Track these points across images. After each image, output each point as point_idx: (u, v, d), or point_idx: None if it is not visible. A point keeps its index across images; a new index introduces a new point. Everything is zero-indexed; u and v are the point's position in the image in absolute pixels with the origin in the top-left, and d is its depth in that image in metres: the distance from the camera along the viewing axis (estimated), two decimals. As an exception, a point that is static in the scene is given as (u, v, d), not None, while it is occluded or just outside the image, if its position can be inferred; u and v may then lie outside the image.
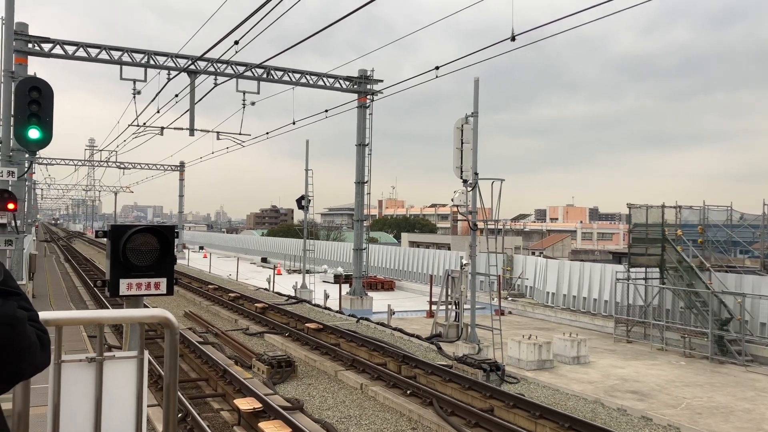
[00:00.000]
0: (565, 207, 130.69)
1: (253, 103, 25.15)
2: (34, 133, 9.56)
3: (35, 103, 9.48)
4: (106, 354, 2.72)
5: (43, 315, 2.35)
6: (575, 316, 24.44)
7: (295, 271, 44.79)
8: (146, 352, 2.84)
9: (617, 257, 44.35)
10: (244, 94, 24.88)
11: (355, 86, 27.11)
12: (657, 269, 20.87)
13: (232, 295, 25.89)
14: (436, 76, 16.20)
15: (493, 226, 18.73)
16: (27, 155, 19.18)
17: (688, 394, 13.89)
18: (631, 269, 21.42)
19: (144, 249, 3.57)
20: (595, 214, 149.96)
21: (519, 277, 29.99)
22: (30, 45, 21.43)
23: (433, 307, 22.74)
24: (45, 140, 9.80)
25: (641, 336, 20.18)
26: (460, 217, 18.40)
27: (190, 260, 50.50)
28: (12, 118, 12.25)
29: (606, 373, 15.77)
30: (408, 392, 12.29)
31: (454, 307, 19.17)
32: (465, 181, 17.23)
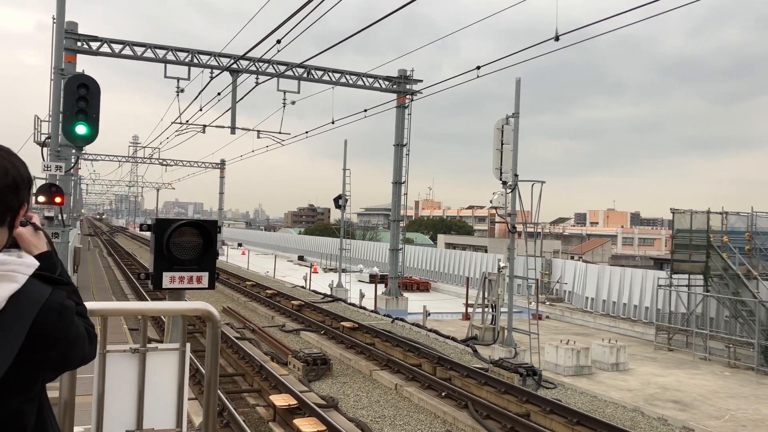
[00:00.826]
0: (605, 211, 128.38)
1: (293, 103, 25.32)
2: (81, 129, 9.79)
3: (83, 99, 9.71)
4: (149, 345, 2.75)
5: (89, 305, 2.38)
6: (615, 322, 23.98)
7: (331, 269, 45.02)
8: (188, 345, 2.86)
9: (659, 263, 43.40)
10: (284, 93, 25.07)
11: (395, 86, 27.10)
12: (701, 276, 20.33)
13: (269, 292, 26.15)
14: (478, 76, 16.09)
15: (532, 229, 18.50)
16: (74, 151, 19.68)
17: (732, 406, 13.48)
18: (674, 276, 20.91)
19: (187, 243, 3.59)
20: (636, 219, 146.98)
21: (557, 282, 29.58)
22: (79, 43, 21.98)
23: (469, 310, 22.58)
24: (91, 136, 10.02)
25: (683, 344, 19.68)
26: (498, 219, 18.22)
27: (229, 257, 51.20)
28: (60, 115, 12.56)
29: (646, 381, 15.42)
30: (443, 394, 12.21)
31: (490, 310, 19.00)
32: (504, 183, 17.05)
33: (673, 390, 14.60)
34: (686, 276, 20.88)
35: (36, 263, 1.69)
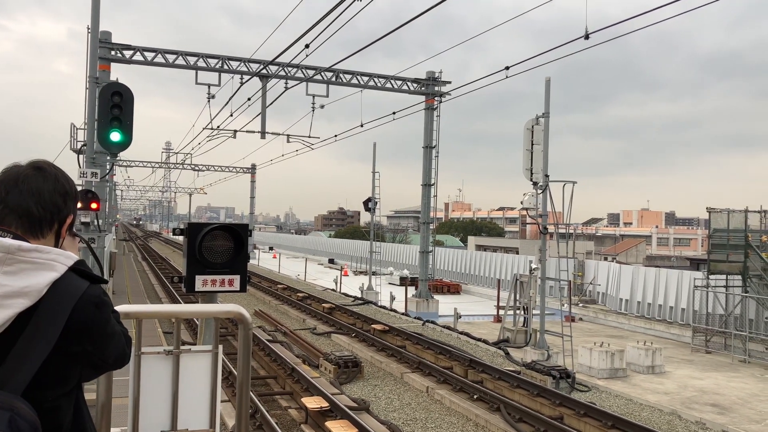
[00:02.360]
0: (639, 211, 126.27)
1: (322, 106, 25.46)
2: (115, 136, 9.98)
3: (117, 107, 9.90)
4: (182, 347, 2.79)
5: (124, 308, 2.42)
6: (650, 324, 23.56)
7: (361, 272, 45.11)
8: (220, 347, 2.89)
9: (695, 264, 42.53)
10: (313, 97, 25.23)
11: (423, 88, 27.07)
12: (739, 277, 19.87)
13: (300, 294, 26.32)
14: (507, 77, 15.98)
15: (564, 230, 18.29)
16: (108, 157, 20.07)
17: (773, 410, 13.13)
18: (711, 276, 20.47)
19: (219, 247, 3.64)
20: (671, 219, 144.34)
21: (590, 283, 29.19)
22: (113, 52, 22.44)
23: (501, 312, 22.40)
24: (126, 143, 10.21)
25: (721, 346, 19.24)
26: (529, 220, 18.06)
27: (261, 260, 51.67)
28: (96, 122, 12.83)
29: (683, 384, 15.11)
30: (475, 397, 12.14)
31: (522, 313, 18.82)
32: (535, 184, 16.89)
33: (711, 393, 14.28)
34: (724, 276, 20.43)
35: (75, 256, 1.73)
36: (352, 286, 32.53)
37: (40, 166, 1.81)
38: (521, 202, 17.72)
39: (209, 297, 3.71)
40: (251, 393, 10.73)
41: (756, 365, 17.56)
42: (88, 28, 17.15)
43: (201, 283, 3.56)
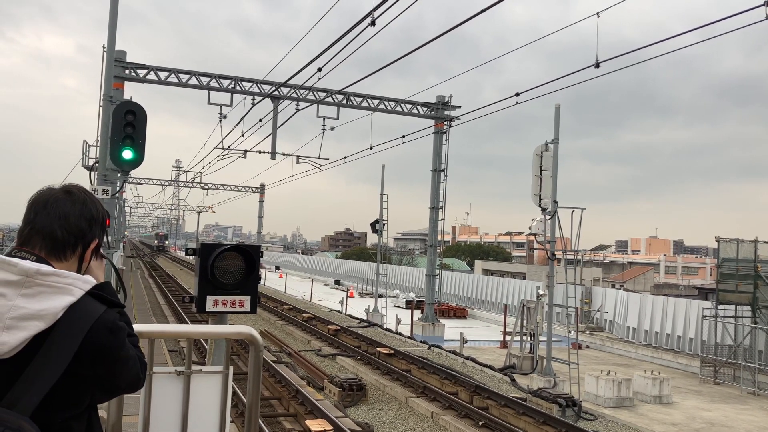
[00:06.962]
0: (647, 239, 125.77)
1: (332, 128, 25.63)
2: (127, 154, 10.08)
3: (130, 125, 10.01)
4: (193, 368, 2.80)
5: (137, 327, 2.44)
6: (657, 353, 23.34)
7: (367, 294, 44.99)
8: (231, 368, 2.90)
9: (703, 293, 42.21)
10: (324, 119, 25.42)
11: (433, 112, 27.23)
12: (748, 307, 19.71)
13: (305, 315, 26.24)
14: (516, 103, 16.05)
15: (571, 257, 18.24)
16: (119, 174, 20.23)
17: (783, 444, 12.95)
18: (719, 306, 20.31)
19: (230, 267, 3.66)
20: (679, 247, 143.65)
21: (598, 310, 29.00)
22: (126, 71, 22.73)
23: (507, 338, 22.27)
24: (138, 161, 10.31)
25: (730, 378, 19.02)
26: (537, 245, 18.02)
27: (267, 280, 51.63)
28: (108, 140, 12.95)
29: (691, 415, 14.93)
30: (480, 423, 12.02)
31: (529, 339, 18.70)
32: (543, 210, 16.89)
33: (719, 425, 14.10)
34: (733, 307, 20.27)
35: (93, 281, 1.76)
36: (358, 308, 32.44)
37: (70, 190, 1.86)
38: (529, 228, 17.70)
39: (220, 317, 3.73)
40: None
41: (765, 398, 17.34)
42: (104, 48, 17.39)
43: (212, 303, 3.58)
